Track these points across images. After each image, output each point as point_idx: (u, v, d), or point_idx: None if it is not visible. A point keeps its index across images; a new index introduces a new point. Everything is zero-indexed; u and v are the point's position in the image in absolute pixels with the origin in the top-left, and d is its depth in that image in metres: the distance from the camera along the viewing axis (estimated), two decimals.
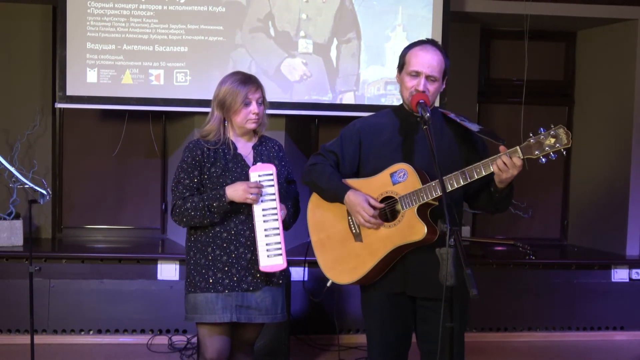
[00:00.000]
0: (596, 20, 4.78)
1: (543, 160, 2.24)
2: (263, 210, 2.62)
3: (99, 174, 4.76)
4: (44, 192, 3.32)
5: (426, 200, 2.36)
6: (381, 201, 2.47)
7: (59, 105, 4.22)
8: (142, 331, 4.30)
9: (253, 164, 2.69)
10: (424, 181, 2.38)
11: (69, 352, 4.09)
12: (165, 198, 4.83)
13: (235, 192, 2.59)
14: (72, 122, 4.73)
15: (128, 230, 4.83)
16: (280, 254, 2.61)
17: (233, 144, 2.71)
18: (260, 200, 2.61)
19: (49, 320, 4.21)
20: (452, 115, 2.56)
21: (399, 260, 2.49)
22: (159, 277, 4.31)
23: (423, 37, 2.61)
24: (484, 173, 2.32)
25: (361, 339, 4.38)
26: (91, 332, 4.27)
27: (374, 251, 2.46)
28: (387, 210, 2.47)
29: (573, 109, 5.22)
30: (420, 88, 2.42)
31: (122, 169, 4.79)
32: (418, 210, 2.37)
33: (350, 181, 2.55)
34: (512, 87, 5.01)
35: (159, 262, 4.31)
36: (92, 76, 4.15)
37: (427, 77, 2.44)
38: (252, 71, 4.20)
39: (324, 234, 2.61)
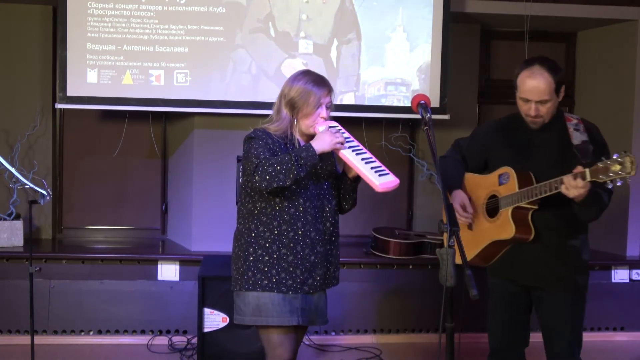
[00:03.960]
0: (596, 21, 4.78)
1: (610, 185, 2.28)
2: (350, 148, 2.59)
3: (99, 174, 4.76)
4: (44, 192, 3.32)
5: (519, 203, 2.54)
6: (489, 198, 2.73)
7: (59, 106, 4.21)
8: (142, 332, 4.30)
9: None
10: (524, 185, 2.54)
11: (69, 353, 4.09)
12: (165, 198, 4.84)
13: (322, 142, 2.50)
14: (72, 123, 4.73)
15: (128, 231, 4.83)
16: (388, 173, 2.57)
17: (298, 142, 2.63)
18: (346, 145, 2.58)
19: (49, 321, 4.21)
20: (570, 123, 2.62)
21: (509, 250, 2.71)
22: (159, 277, 4.31)
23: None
24: (541, 195, 2.47)
25: (361, 339, 4.39)
26: (91, 333, 4.28)
27: (477, 241, 2.75)
28: (491, 207, 2.72)
29: (573, 109, 5.21)
30: (532, 113, 2.59)
31: (122, 170, 4.79)
32: (515, 211, 2.57)
33: (470, 175, 2.86)
34: (513, 87, 5.00)
35: (159, 262, 4.31)
36: (92, 77, 4.15)
37: (537, 102, 2.58)
38: (252, 72, 4.22)
39: None
